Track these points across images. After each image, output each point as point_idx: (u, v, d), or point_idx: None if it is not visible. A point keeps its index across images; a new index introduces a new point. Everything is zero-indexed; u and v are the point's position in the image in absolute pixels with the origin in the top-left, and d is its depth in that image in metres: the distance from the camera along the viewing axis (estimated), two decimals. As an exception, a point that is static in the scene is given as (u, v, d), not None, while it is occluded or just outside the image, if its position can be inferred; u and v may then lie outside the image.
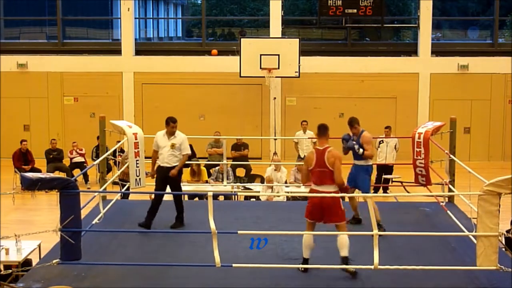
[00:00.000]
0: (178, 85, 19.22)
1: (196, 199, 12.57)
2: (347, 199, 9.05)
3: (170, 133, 9.35)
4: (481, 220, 6.96)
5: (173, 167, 9.21)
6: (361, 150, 8.89)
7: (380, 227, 8.46)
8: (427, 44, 19.14)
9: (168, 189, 9.49)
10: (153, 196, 9.81)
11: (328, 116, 18.87)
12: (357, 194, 9.09)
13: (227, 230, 7.97)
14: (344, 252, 7.40)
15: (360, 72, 19.08)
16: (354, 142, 8.92)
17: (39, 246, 9.35)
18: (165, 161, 9.29)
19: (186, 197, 12.60)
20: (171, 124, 9.34)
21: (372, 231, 7.07)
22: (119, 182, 11.42)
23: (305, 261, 7.57)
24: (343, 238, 7.44)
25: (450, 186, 10.09)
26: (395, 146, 15.20)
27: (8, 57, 19.16)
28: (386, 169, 14.96)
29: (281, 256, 8.05)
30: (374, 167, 14.72)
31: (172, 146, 9.26)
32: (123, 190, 10.96)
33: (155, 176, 9.47)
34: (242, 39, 17.90)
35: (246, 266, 7.48)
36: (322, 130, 7.65)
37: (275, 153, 17.85)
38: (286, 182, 13.20)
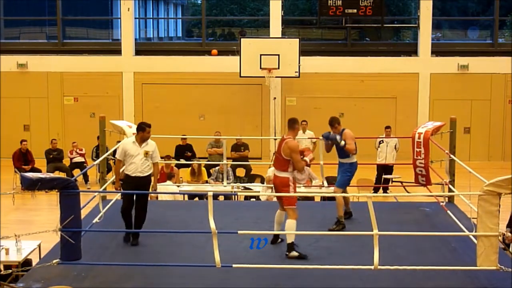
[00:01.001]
0: (178, 85, 19.22)
1: (196, 199, 12.57)
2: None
3: (143, 140, 8.52)
4: (481, 220, 6.97)
5: (147, 177, 8.52)
6: (343, 142, 8.97)
7: (339, 223, 8.95)
8: (427, 44, 19.14)
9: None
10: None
11: (328, 116, 18.72)
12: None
13: (227, 230, 7.97)
14: (290, 239, 7.89)
15: (360, 72, 19.08)
16: (337, 135, 9.03)
17: (39, 246, 9.35)
18: (138, 171, 8.45)
19: (186, 197, 12.62)
20: (147, 129, 8.50)
21: (372, 231, 7.06)
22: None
23: (275, 236, 8.35)
24: (289, 223, 7.94)
25: (450, 186, 10.09)
26: (395, 146, 15.21)
27: (8, 57, 19.16)
28: (386, 169, 14.98)
29: (281, 256, 8.05)
30: (374, 167, 14.95)
31: (146, 154, 8.47)
32: (123, 191, 10.95)
33: (119, 188, 8.70)
34: (242, 39, 17.90)
35: (246, 266, 7.48)
36: (289, 123, 8.30)
37: (275, 153, 17.86)
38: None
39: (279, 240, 8.39)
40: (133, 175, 8.46)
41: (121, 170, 8.68)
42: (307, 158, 8.25)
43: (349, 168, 9.15)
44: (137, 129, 8.59)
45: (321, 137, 9.39)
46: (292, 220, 7.97)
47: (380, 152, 15.27)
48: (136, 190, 8.46)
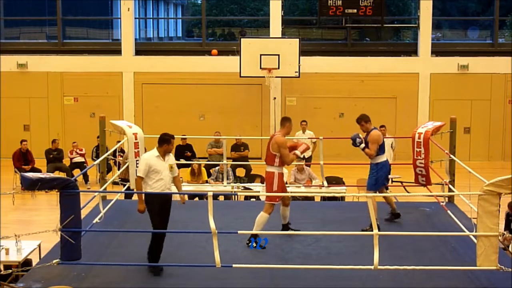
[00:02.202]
0: (178, 85, 19.22)
1: (196, 199, 12.57)
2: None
3: (166, 153, 7.80)
4: (481, 220, 6.97)
5: (171, 192, 7.94)
6: (362, 145, 8.93)
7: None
8: (427, 44, 19.14)
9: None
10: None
11: (328, 116, 18.93)
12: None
13: (227, 230, 7.97)
14: (256, 229, 8.19)
15: (360, 72, 19.08)
16: (360, 139, 8.98)
17: (39, 246, 9.36)
18: (167, 187, 7.74)
19: (186, 197, 12.62)
20: (171, 141, 7.76)
21: (372, 231, 7.07)
22: (119, 182, 11.43)
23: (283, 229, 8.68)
24: (260, 216, 8.26)
25: (450, 186, 10.09)
26: (391, 145, 15.11)
27: (8, 57, 19.17)
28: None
29: (281, 256, 8.06)
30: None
31: (171, 168, 7.82)
32: (123, 190, 10.96)
33: (144, 210, 7.74)
34: (242, 39, 17.90)
35: (246, 266, 7.48)
36: (281, 121, 8.61)
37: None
38: (286, 183, 13.18)
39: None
40: (163, 191, 7.66)
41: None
42: (298, 151, 8.46)
43: (374, 168, 9.02)
44: (161, 141, 7.72)
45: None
46: (265, 214, 8.29)
47: None
48: (168, 207, 7.78)
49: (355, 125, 9.38)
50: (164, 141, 7.71)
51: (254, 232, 8.17)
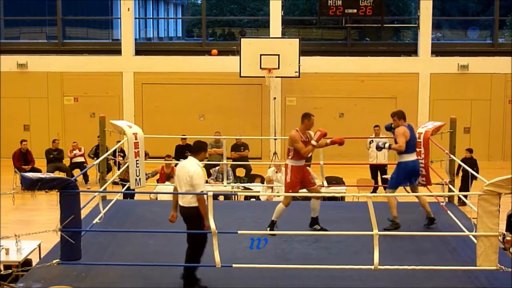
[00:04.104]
0: (178, 85, 19.22)
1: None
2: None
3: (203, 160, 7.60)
4: (481, 220, 6.96)
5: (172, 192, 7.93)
6: (387, 144, 9.13)
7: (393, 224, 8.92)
8: (427, 44, 19.14)
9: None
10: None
11: (328, 116, 18.90)
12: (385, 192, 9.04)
13: (227, 230, 7.97)
14: (274, 217, 8.72)
15: (360, 72, 19.08)
16: (382, 143, 9.27)
17: (39, 246, 9.36)
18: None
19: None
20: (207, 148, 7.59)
21: (372, 231, 7.06)
22: (119, 182, 11.43)
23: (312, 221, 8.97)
24: (279, 207, 8.74)
25: (450, 186, 10.09)
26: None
27: (8, 57, 19.17)
28: (379, 169, 14.93)
29: (281, 256, 8.06)
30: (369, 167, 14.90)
31: None
32: (123, 190, 10.96)
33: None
34: (242, 39, 17.90)
35: (246, 266, 7.48)
36: (301, 117, 8.87)
37: (275, 153, 17.87)
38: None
39: (316, 225, 8.90)
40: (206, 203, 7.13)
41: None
42: (314, 142, 8.67)
43: (397, 166, 9.09)
44: (198, 150, 7.36)
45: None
46: (281, 205, 8.76)
47: (371, 152, 15.15)
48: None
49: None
50: (202, 149, 7.38)
51: (273, 219, 8.74)
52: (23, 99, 19.31)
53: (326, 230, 8.75)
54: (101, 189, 10.07)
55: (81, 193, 7.23)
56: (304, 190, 9.01)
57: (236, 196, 12.85)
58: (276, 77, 18.00)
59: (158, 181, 13.49)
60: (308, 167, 13.25)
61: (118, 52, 19.48)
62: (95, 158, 14.93)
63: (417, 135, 10.02)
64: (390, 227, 8.83)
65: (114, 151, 11.26)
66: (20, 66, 19.31)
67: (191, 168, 7.14)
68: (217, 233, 7.00)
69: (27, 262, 8.98)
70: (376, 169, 15.01)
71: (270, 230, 8.67)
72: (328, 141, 8.87)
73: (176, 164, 14.22)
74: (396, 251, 8.08)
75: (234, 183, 13.83)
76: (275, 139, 18.14)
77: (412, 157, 9.02)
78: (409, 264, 7.21)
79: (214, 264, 7.05)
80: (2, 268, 8.30)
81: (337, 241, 8.52)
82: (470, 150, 14.95)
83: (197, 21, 22.10)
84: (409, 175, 9.04)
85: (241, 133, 16.76)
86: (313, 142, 8.66)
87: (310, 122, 8.77)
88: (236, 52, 18.22)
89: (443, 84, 19.06)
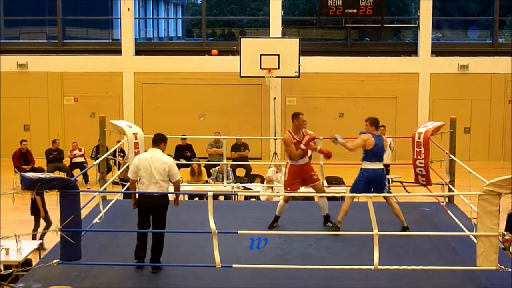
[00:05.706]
0: (178, 85, 19.22)
1: (196, 199, 12.57)
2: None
3: None
4: (481, 220, 6.97)
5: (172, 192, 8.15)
6: (341, 140, 8.86)
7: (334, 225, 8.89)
8: (427, 44, 19.14)
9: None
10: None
11: (328, 116, 18.93)
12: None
13: (227, 230, 7.97)
14: (277, 213, 9.04)
15: (360, 72, 19.08)
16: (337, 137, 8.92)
17: (39, 246, 9.35)
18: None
19: (186, 197, 12.62)
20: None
21: (372, 231, 7.06)
22: (119, 182, 11.43)
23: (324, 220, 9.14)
24: (280, 203, 9.04)
25: (450, 186, 10.09)
26: (390, 145, 15.07)
27: (8, 57, 19.17)
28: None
29: (281, 256, 8.05)
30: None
31: None
32: (123, 190, 10.96)
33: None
34: (242, 39, 17.90)
35: (246, 266, 7.48)
36: (291, 118, 8.99)
37: (275, 153, 17.87)
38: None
39: (328, 223, 9.02)
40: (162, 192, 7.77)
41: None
42: (303, 146, 8.78)
43: (359, 173, 8.86)
44: (160, 141, 7.89)
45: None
46: (281, 201, 9.08)
47: None
48: None
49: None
50: (163, 140, 7.95)
51: (276, 213, 9.06)
52: (23, 99, 19.31)
53: (339, 229, 8.65)
54: (101, 189, 10.07)
55: (81, 193, 7.23)
56: (304, 190, 9.01)
57: (236, 196, 12.85)
58: (276, 77, 18.00)
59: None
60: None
61: (118, 52, 19.48)
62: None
63: (417, 135, 10.04)
64: (330, 229, 8.82)
65: (114, 151, 11.27)
66: (20, 66, 19.31)
67: (165, 158, 7.72)
68: (217, 233, 7.01)
69: (27, 262, 8.99)
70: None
71: (274, 224, 9.01)
72: (318, 148, 9.04)
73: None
74: (396, 251, 8.07)
75: (234, 183, 13.83)
76: (275, 139, 18.14)
77: (372, 165, 8.69)
78: (409, 264, 7.21)
79: (214, 264, 7.06)
80: (2, 268, 8.30)
81: (337, 241, 8.52)
82: None
83: (197, 21, 22.09)
84: (366, 182, 8.69)
85: (241, 133, 16.76)
86: (302, 146, 8.79)
87: (299, 121, 8.86)
88: (236, 52, 18.22)
89: (443, 84, 19.06)
